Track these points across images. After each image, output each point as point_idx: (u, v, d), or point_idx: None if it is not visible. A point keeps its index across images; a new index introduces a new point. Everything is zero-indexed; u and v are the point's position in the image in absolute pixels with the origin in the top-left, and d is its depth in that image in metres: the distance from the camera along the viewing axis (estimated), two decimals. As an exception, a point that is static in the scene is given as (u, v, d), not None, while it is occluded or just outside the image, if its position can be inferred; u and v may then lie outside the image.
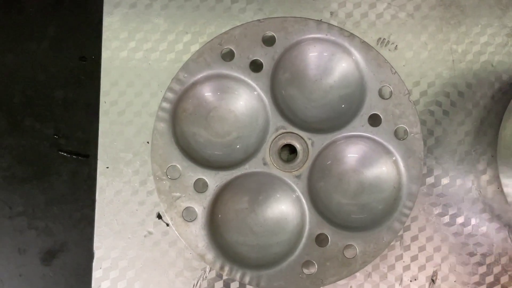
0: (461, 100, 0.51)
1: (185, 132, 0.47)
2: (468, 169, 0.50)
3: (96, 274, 0.49)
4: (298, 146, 0.46)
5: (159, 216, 0.50)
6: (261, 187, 0.47)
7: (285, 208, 0.47)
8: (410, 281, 0.49)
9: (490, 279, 0.49)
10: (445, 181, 0.50)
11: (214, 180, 0.45)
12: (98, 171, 0.50)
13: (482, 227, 0.50)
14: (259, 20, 0.46)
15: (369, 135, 0.45)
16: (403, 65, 0.51)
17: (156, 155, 0.45)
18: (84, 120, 0.51)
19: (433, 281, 0.49)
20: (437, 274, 0.49)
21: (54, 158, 0.51)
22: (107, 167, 0.50)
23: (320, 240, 0.45)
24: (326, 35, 0.46)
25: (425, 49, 0.51)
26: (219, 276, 0.49)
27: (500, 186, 0.49)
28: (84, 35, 0.52)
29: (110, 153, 0.50)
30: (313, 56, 0.47)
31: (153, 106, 0.50)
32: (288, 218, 0.47)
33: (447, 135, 0.51)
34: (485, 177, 0.50)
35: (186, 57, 0.50)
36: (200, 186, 0.45)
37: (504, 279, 0.49)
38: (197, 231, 0.45)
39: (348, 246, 0.45)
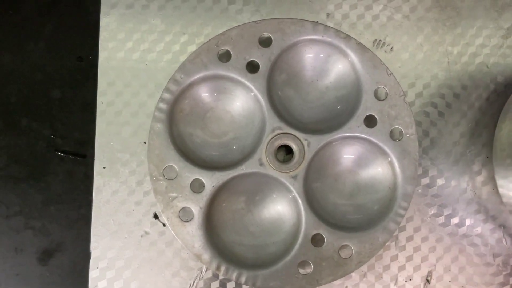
0: (456, 102, 0.51)
1: (181, 133, 0.47)
2: (463, 170, 0.51)
3: (92, 274, 0.49)
4: (294, 146, 0.46)
5: (155, 216, 0.50)
6: (257, 188, 0.47)
7: (281, 209, 0.47)
8: (405, 281, 0.49)
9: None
10: (440, 182, 0.50)
11: (210, 181, 0.45)
12: (95, 171, 0.50)
13: (477, 227, 0.50)
14: (255, 21, 0.46)
15: (365, 136, 0.46)
16: (399, 67, 0.51)
17: (153, 156, 0.45)
18: (81, 120, 0.51)
19: (428, 281, 0.50)
20: (432, 274, 0.50)
21: (51, 158, 0.51)
22: (104, 167, 0.50)
23: (316, 240, 0.45)
24: (323, 36, 0.46)
25: (420, 51, 0.52)
26: (215, 276, 0.49)
27: (495, 187, 0.50)
28: (81, 36, 0.52)
29: (107, 153, 0.50)
30: (309, 57, 0.47)
31: (150, 107, 0.50)
32: (284, 218, 0.47)
33: (442, 136, 0.51)
34: (480, 178, 0.51)
35: (183, 58, 0.50)
36: (196, 187, 0.45)
37: (498, 279, 0.50)
38: (193, 231, 0.45)
39: (343, 246, 0.45)
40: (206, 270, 0.49)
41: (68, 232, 0.50)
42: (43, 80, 0.51)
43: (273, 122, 0.46)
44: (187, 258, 0.49)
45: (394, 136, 0.46)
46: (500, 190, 0.48)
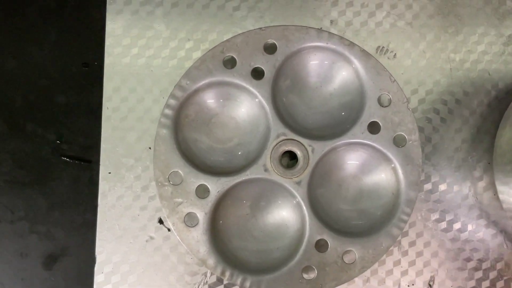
0: (458, 108, 0.52)
1: (187, 139, 0.47)
2: (465, 175, 0.51)
3: (98, 278, 0.49)
4: (298, 152, 0.46)
5: (160, 221, 0.50)
6: (262, 193, 0.48)
7: (286, 214, 0.48)
8: (408, 286, 0.50)
9: (486, 284, 0.50)
10: (442, 187, 0.51)
11: (215, 186, 0.46)
12: (100, 176, 0.50)
13: (479, 232, 0.51)
14: (260, 28, 0.46)
15: (369, 142, 0.46)
16: (402, 73, 0.52)
17: (158, 161, 0.46)
18: (87, 126, 0.51)
19: (430, 286, 0.50)
20: (434, 279, 0.50)
21: (56, 163, 0.51)
22: (109, 173, 0.50)
23: (320, 245, 0.45)
24: (327, 43, 0.47)
25: (423, 58, 0.52)
26: (219, 281, 0.49)
27: (496, 193, 0.50)
28: (87, 41, 0.52)
29: (112, 159, 0.50)
30: (314, 64, 0.48)
31: (155, 112, 0.51)
32: (288, 224, 0.47)
33: (445, 142, 0.51)
34: (481, 184, 0.51)
35: (188, 64, 0.51)
36: (201, 192, 0.46)
37: (500, 284, 0.50)
38: (198, 237, 0.45)
39: (347, 252, 0.45)
40: (211, 275, 0.50)
41: (73, 237, 0.50)
42: (49, 86, 0.52)
43: (277, 128, 0.46)
44: (191, 263, 0.50)
45: (397, 143, 0.46)
46: (501, 196, 0.49)
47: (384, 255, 0.48)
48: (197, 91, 0.47)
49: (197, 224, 0.45)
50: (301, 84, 0.48)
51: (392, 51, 0.52)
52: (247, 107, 0.48)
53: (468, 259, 0.50)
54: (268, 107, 0.46)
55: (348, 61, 0.47)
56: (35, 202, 0.51)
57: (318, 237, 0.45)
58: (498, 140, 0.50)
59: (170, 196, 0.45)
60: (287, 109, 0.48)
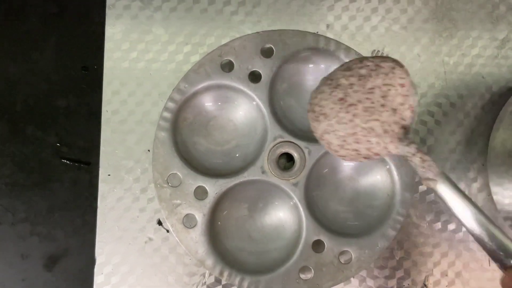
0: (452, 111, 0.53)
1: (185, 141, 0.48)
2: (459, 177, 0.52)
3: (97, 279, 0.50)
4: (295, 154, 0.47)
5: (159, 223, 0.51)
6: (259, 195, 0.48)
7: (283, 215, 0.48)
8: (403, 285, 0.51)
9: (480, 284, 0.51)
10: (437, 188, 0.52)
11: (213, 188, 0.46)
12: (99, 178, 0.51)
13: (473, 233, 0.51)
14: (258, 32, 0.47)
15: (364, 144, 0.47)
16: (397, 76, 0.52)
17: (157, 163, 0.46)
18: (86, 129, 0.52)
19: (425, 285, 0.51)
20: (429, 279, 0.51)
21: (56, 166, 0.52)
22: (109, 175, 0.51)
23: (317, 246, 0.46)
24: (323, 47, 0.47)
25: (418, 61, 0.53)
26: (218, 281, 0.50)
27: (490, 194, 0.51)
28: (87, 46, 0.53)
29: (111, 161, 0.51)
30: (310, 67, 0.49)
31: (154, 115, 0.51)
32: (285, 224, 0.48)
33: (439, 144, 0.52)
34: (476, 185, 0.52)
35: (186, 68, 0.51)
36: (200, 194, 0.46)
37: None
38: (197, 238, 0.46)
39: (343, 252, 0.46)
40: (209, 276, 0.50)
41: (73, 238, 0.51)
42: (49, 89, 0.52)
43: (274, 131, 0.47)
44: (190, 263, 0.50)
45: (392, 145, 0.47)
46: (495, 197, 0.49)
47: (380, 255, 0.49)
48: (195, 94, 0.47)
49: (195, 225, 0.46)
50: (298, 87, 0.49)
51: (387, 55, 0.53)
52: (244, 110, 0.49)
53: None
54: (265, 110, 0.47)
55: (344, 64, 0.48)
56: (35, 204, 0.51)
57: (315, 238, 0.46)
58: (492, 142, 0.51)
59: (169, 198, 0.46)
60: (284, 112, 0.49)
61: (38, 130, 0.52)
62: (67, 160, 0.52)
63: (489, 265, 0.51)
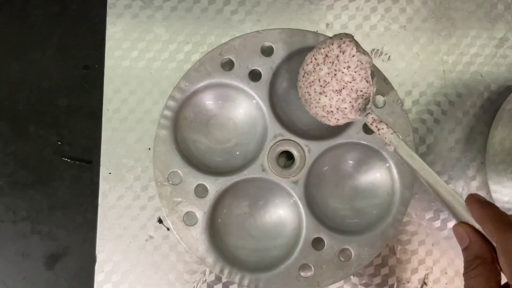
0: (451, 109, 0.53)
1: (186, 139, 0.48)
2: (458, 175, 0.52)
3: (98, 277, 0.50)
4: (295, 152, 0.47)
5: (160, 221, 0.51)
6: (259, 193, 0.49)
7: (283, 213, 0.49)
8: (403, 283, 0.51)
9: (480, 281, 0.51)
10: (436, 187, 0.52)
11: (214, 186, 0.46)
12: (100, 176, 0.51)
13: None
14: (258, 31, 0.47)
15: (364, 142, 0.47)
16: (396, 75, 0.53)
17: (158, 162, 0.46)
18: (87, 127, 0.52)
19: (425, 283, 0.51)
20: (428, 277, 0.51)
21: (58, 164, 0.52)
22: (110, 173, 0.51)
23: (317, 244, 0.46)
24: (323, 46, 0.48)
25: (417, 60, 0.53)
26: (218, 279, 0.50)
27: (489, 192, 0.51)
28: (88, 45, 0.53)
29: (112, 159, 0.51)
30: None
31: (154, 114, 0.52)
32: (285, 222, 0.48)
33: (438, 142, 0.52)
34: (475, 183, 0.52)
35: (186, 66, 0.52)
36: (200, 192, 0.47)
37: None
38: (197, 235, 0.46)
39: (343, 250, 0.46)
40: (209, 273, 0.50)
41: (74, 237, 0.51)
42: (50, 88, 0.53)
43: (274, 129, 0.47)
44: (190, 261, 0.50)
45: (392, 143, 0.47)
46: (494, 195, 0.50)
47: (380, 253, 0.49)
48: (195, 93, 0.48)
49: (196, 223, 0.46)
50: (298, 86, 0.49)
51: (386, 54, 0.53)
52: (244, 109, 0.49)
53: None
54: (265, 108, 0.47)
55: (344, 63, 0.48)
56: (36, 203, 0.52)
57: (315, 236, 0.46)
58: (491, 140, 0.51)
59: (170, 196, 0.46)
60: (284, 110, 0.49)
61: (39, 128, 0.52)
62: (68, 159, 0.52)
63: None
